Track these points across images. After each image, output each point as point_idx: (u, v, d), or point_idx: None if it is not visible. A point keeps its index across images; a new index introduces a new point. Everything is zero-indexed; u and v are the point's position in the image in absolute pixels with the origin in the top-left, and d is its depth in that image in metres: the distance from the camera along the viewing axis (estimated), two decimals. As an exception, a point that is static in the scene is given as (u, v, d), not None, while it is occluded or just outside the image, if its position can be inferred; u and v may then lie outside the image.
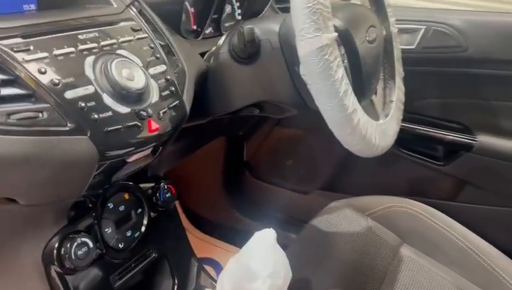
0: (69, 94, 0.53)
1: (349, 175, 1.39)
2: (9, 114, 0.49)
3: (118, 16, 0.67)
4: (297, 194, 1.47)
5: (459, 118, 1.19)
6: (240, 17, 1.03)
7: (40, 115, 0.51)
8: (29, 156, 0.50)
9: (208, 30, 0.95)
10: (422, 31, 1.12)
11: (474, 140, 1.17)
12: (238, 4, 1.02)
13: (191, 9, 0.90)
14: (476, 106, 1.16)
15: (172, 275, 0.88)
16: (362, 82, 0.73)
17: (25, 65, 0.52)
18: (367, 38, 0.73)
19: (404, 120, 1.19)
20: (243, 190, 1.57)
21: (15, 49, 0.52)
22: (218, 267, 1.40)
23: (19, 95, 0.51)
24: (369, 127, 0.68)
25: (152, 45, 0.67)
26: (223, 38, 0.81)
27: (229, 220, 1.55)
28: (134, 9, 0.71)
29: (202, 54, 0.85)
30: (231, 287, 0.60)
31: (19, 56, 0.52)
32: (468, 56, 1.10)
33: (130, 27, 0.66)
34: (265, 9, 1.06)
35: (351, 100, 0.63)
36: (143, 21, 0.70)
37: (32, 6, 0.66)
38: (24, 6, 0.65)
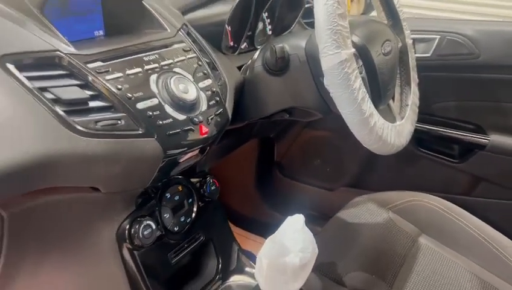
0: (140, 105, 0.65)
1: (372, 173, 1.44)
2: (96, 121, 0.60)
3: (171, 39, 0.78)
4: (324, 191, 1.53)
5: (472, 119, 1.24)
6: (270, 32, 1.12)
7: (119, 122, 0.62)
8: (111, 154, 0.61)
9: (243, 45, 1.04)
10: (437, 40, 1.19)
11: (487, 139, 1.21)
12: (269, 21, 1.11)
13: (228, 28, 1.00)
14: (488, 107, 1.21)
15: (217, 256, 0.99)
16: (379, 89, 0.80)
17: (106, 83, 0.63)
18: (382, 51, 0.80)
19: (422, 121, 1.25)
20: (273, 188, 1.63)
21: (98, 71, 0.64)
22: (252, 257, 1.45)
23: (102, 106, 0.62)
24: (385, 129, 0.75)
25: (200, 63, 0.78)
26: (257, 53, 0.89)
27: (261, 215, 1.61)
28: (183, 32, 0.82)
29: (239, 67, 0.94)
30: (268, 261, 0.69)
31: (101, 76, 0.63)
32: (480, 63, 1.15)
33: (182, 48, 0.77)
34: (294, 25, 1.13)
35: (368, 106, 0.71)
36: (191, 41, 0.81)
37: (101, 32, 0.79)
38: (95, 32, 0.78)
